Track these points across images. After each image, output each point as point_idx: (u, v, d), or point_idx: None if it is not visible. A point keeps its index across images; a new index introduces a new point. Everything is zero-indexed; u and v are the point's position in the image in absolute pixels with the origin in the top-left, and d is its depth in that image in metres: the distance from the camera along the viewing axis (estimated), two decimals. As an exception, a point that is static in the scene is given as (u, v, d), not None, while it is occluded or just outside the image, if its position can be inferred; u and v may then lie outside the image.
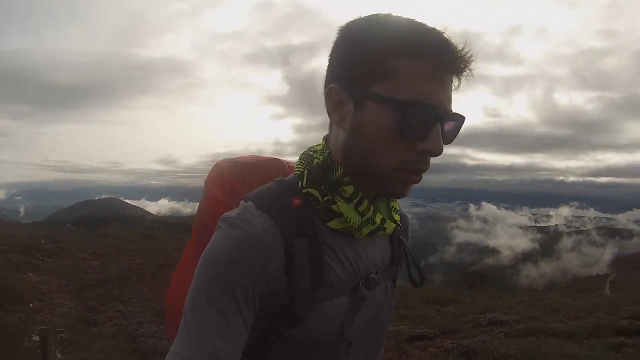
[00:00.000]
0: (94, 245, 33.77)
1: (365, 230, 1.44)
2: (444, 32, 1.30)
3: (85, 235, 46.20)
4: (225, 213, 1.40)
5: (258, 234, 1.32)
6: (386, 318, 1.68)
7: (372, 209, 1.46)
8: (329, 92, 1.40)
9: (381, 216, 1.48)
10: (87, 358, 9.58)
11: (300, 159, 1.54)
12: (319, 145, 1.53)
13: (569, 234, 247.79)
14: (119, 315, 13.94)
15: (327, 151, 1.47)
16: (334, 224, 1.43)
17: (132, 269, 24.39)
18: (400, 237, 1.71)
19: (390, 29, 1.31)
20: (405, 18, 1.34)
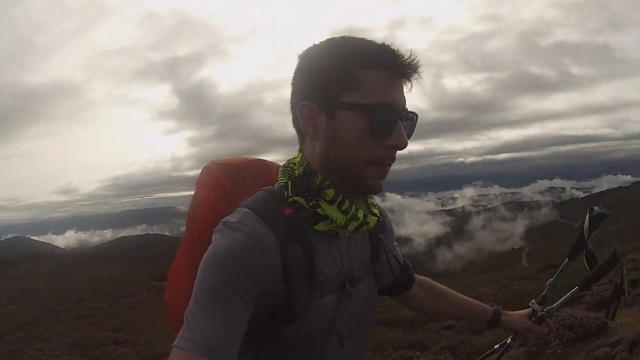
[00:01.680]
0: (7, 289, 33.98)
1: (351, 227, 1.63)
2: (392, 45, 1.55)
3: None
4: (226, 218, 1.58)
5: (259, 237, 1.50)
6: (370, 311, 1.90)
7: (353, 207, 1.64)
8: (301, 109, 1.60)
9: (363, 212, 1.67)
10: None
11: (281, 171, 1.72)
12: (296, 157, 1.72)
13: (478, 212, 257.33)
14: (38, 353, 15.97)
15: (306, 162, 1.66)
16: (320, 226, 1.62)
17: (47, 309, 24.96)
18: (379, 235, 1.91)
19: (349, 47, 1.56)
20: (357, 38, 1.60)
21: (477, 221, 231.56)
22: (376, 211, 1.78)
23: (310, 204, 1.61)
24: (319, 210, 1.60)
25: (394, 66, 1.54)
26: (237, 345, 1.41)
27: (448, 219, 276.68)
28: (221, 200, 1.75)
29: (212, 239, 1.54)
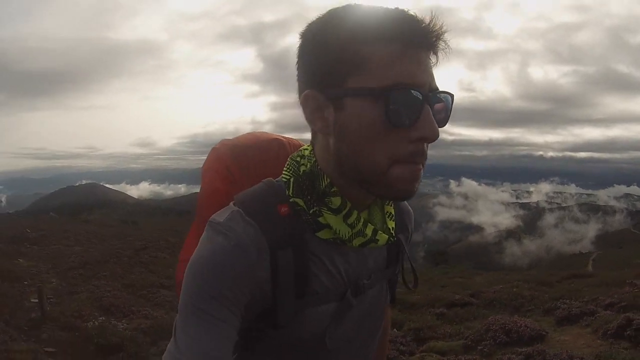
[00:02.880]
0: (76, 232, 34.95)
1: (355, 243, 1.40)
2: (407, 10, 1.24)
3: (68, 222, 47.58)
4: (213, 216, 1.39)
5: (243, 242, 1.31)
6: (379, 318, 1.70)
7: (362, 220, 1.40)
8: (305, 99, 1.33)
9: (372, 227, 1.42)
10: (64, 309, 12.90)
11: (288, 163, 1.49)
12: (306, 149, 1.47)
13: (551, 210, 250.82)
14: (93, 288, 16.67)
15: (314, 159, 1.42)
16: (323, 234, 1.39)
17: (111, 253, 25.35)
18: (399, 235, 1.62)
19: (350, 19, 1.25)
20: (364, 5, 1.28)
21: (549, 218, 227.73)
22: (391, 224, 1.49)
23: (312, 210, 1.38)
24: (320, 219, 1.37)
25: (409, 36, 1.20)
26: (227, 358, 1.27)
27: (521, 212, 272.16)
28: (228, 186, 1.62)
29: (200, 238, 1.37)
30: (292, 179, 1.42)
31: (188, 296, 1.29)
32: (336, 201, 1.36)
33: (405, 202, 1.72)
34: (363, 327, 1.59)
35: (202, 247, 1.33)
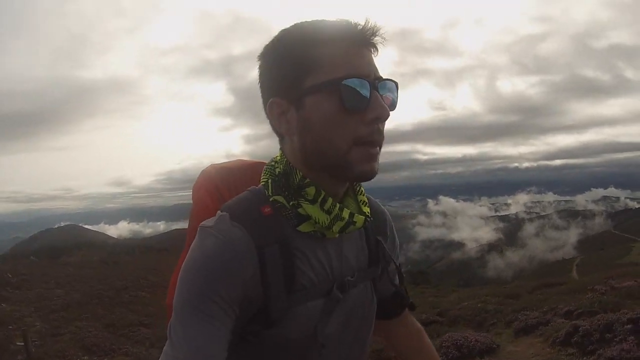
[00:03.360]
0: (56, 274, 34.83)
1: (336, 228, 1.48)
2: (347, 18, 1.43)
3: (48, 265, 47.79)
4: (203, 222, 1.47)
5: (232, 243, 1.39)
6: (366, 319, 1.72)
7: (337, 205, 1.49)
8: (270, 106, 1.47)
9: (349, 211, 1.51)
10: (48, 350, 13.82)
11: (264, 170, 1.60)
12: (277, 156, 1.60)
13: (531, 220, 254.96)
14: (76, 329, 17.15)
15: (285, 159, 1.53)
16: (304, 227, 1.47)
17: (92, 294, 25.58)
18: (378, 237, 1.74)
19: (301, 31, 1.43)
20: (310, 20, 1.46)
21: (530, 228, 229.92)
22: (366, 210, 1.61)
23: (291, 203, 1.48)
24: (300, 210, 1.47)
25: (350, 36, 1.40)
26: (221, 358, 1.34)
27: (501, 224, 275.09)
28: (217, 203, 1.70)
29: (191, 244, 1.47)
30: (269, 180, 1.53)
31: (182, 296, 1.35)
32: (311, 191, 1.46)
33: (377, 204, 1.83)
34: (350, 326, 1.64)
35: (193, 249, 1.41)
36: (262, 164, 1.75)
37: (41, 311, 20.20)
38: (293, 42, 1.42)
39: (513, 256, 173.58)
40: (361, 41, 1.40)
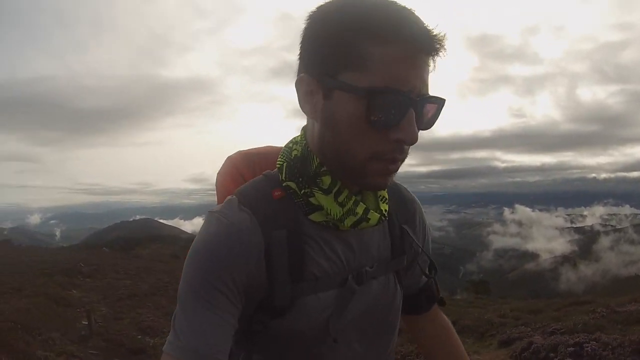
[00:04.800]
0: (126, 266, 36.30)
1: (347, 222, 1.38)
2: (414, 11, 1.23)
3: (120, 256, 48.72)
4: (213, 207, 1.42)
5: (237, 227, 1.32)
6: (389, 313, 1.61)
7: (353, 199, 1.40)
8: (299, 82, 1.34)
9: (364, 206, 1.41)
10: (108, 329, 15.11)
11: (282, 151, 1.51)
12: (299, 136, 1.50)
13: (606, 233, 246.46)
14: (137, 315, 18.29)
15: (305, 142, 1.43)
16: (315, 216, 1.40)
17: (158, 286, 26.60)
18: (403, 226, 1.62)
19: (359, 12, 1.23)
20: (370, 0, 1.26)
21: (605, 242, 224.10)
22: (384, 207, 1.50)
23: (303, 191, 1.40)
24: (312, 199, 1.39)
25: (412, 39, 1.21)
26: (226, 346, 1.29)
27: (576, 236, 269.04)
28: None
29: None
30: (284, 164, 1.45)
31: (186, 283, 1.30)
32: (326, 180, 1.37)
33: (409, 191, 1.74)
34: (371, 319, 1.55)
35: (199, 234, 1.36)
36: None
37: (108, 299, 21.41)
38: (347, 24, 1.23)
39: (586, 270, 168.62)
40: (422, 48, 1.22)
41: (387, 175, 1.32)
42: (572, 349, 9.37)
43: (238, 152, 1.74)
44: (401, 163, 1.34)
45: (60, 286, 22.25)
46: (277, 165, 1.47)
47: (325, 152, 1.35)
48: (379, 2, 1.24)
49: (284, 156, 1.47)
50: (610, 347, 9.07)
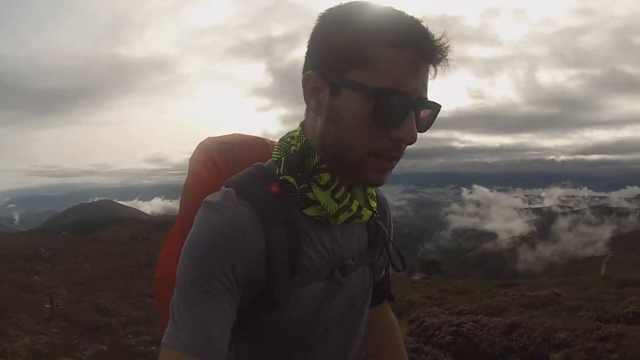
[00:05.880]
0: (86, 250, 37.25)
1: (341, 218, 1.42)
2: (422, 21, 1.28)
3: (79, 241, 49.24)
4: (207, 197, 1.39)
5: (238, 220, 1.32)
6: (362, 303, 1.66)
7: (348, 196, 1.44)
8: (306, 78, 1.37)
9: (358, 203, 1.46)
10: (69, 312, 16.43)
11: (278, 145, 1.51)
12: (296, 131, 1.51)
13: (564, 214, 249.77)
14: (95, 298, 19.24)
15: (305, 138, 1.45)
16: (310, 211, 1.42)
17: (116, 269, 28.33)
18: (378, 222, 1.67)
19: (370, 17, 1.29)
20: (384, 6, 1.31)
21: (562, 223, 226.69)
22: (373, 204, 1.58)
23: (302, 186, 1.41)
24: (309, 194, 1.40)
25: (417, 47, 1.25)
26: (226, 338, 1.29)
27: (534, 217, 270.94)
28: (213, 178, 1.63)
29: (194, 219, 1.38)
30: (282, 158, 1.45)
31: (186, 274, 1.29)
32: (325, 177, 1.40)
33: (379, 189, 1.76)
34: (351, 310, 1.61)
35: (199, 226, 1.34)
36: (262, 140, 1.77)
37: (68, 283, 22.77)
38: (355, 24, 1.29)
39: (544, 250, 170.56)
40: (426, 56, 1.29)
41: (382, 172, 1.37)
42: (453, 328, 10.49)
43: (209, 139, 1.76)
44: (396, 162, 1.40)
45: (24, 272, 24.03)
46: (274, 159, 1.48)
47: (326, 146, 1.38)
48: (390, 10, 1.29)
49: (281, 150, 1.48)
50: (486, 327, 10.25)
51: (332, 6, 1.35)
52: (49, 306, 15.70)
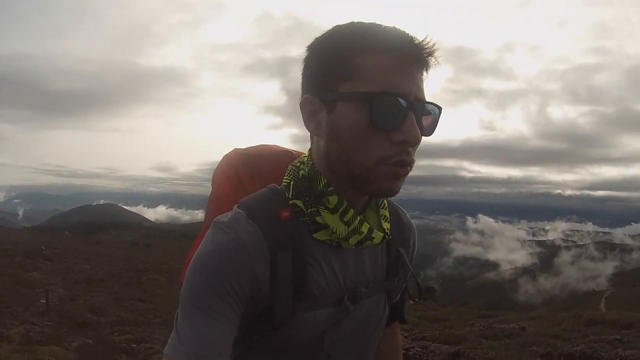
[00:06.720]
0: (87, 251, 37.93)
1: (352, 241, 1.41)
2: (401, 28, 1.30)
3: (81, 242, 49.50)
4: (218, 217, 1.41)
5: (244, 241, 1.32)
6: (372, 330, 1.63)
7: (358, 218, 1.42)
8: (303, 103, 1.39)
9: (368, 226, 1.44)
10: (63, 308, 17.11)
11: (288, 170, 1.51)
12: (305, 156, 1.51)
13: (568, 248, 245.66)
14: (90, 298, 19.83)
15: (311, 162, 1.45)
16: (320, 235, 1.41)
17: (114, 273, 28.66)
18: (400, 249, 1.64)
19: (352, 32, 1.30)
20: (364, 22, 1.33)
21: (565, 256, 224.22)
22: (386, 225, 1.53)
23: (309, 210, 1.41)
24: (318, 218, 1.40)
25: (401, 49, 1.26)
26: (227, 354, 1.30)
27: (537, 249, 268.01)
28: (236, 190, 1.64)
29: (205, 236, 1.41)
30: (292, 182, 1.46)
31: (192, 289, 1.31)
32: (333, 200, 1.39)
33: (407, 216, 1.76)
34: (360, 336, 1.59)
35: (206, 244, 1.36)
36: (289, 152, 1.75)
37: (66, 282, 23.38)
38: (341, 42, 1.31)
39: (545, 282, 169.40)
40: (413, 57, 1.29)
41: (395, 178, 1.33)
42: (403, 351, 11.25)
43: (234, 150, 1.78)
44: (410, 168, 1.35)
45: (22, 268, 24.66)
46: (284, 183, 1.49)
47: (333, 166, 1.38)
48: (369, 23, 1.32)
49: (290, 174, 1.49)
50: (432, 354, 10.99)
51: (319, 35, 1.39)
52: (44, 301, 16.43)
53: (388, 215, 1.56)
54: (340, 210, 1.39)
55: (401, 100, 1.25)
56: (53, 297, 17.70)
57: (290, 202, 1.43)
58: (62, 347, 11.12)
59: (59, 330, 13.46)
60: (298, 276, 1.38)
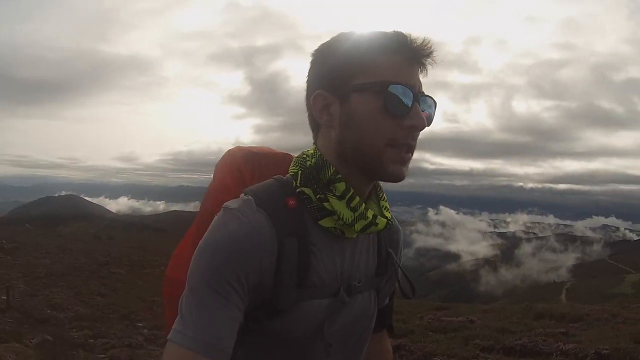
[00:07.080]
0: (48, 244, 37.82)
1: (358, 226, 1.47)
2: (404, 32, 1.45)
3: (42, 235, 49.17)
4: (227, 203, 1.45)
5: (255, 228, 1.37)
6: (365, 326, 1.69)
7: (363, 205, 1.49)
8: (315, 97, 1.49)
9: (373, 212, 1.51)
10: (24, 304, 17.20)
11: (293, 162, 1.60)
12: (310, 150, 1.59)
13: (529, 239, 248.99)
14: (50, 293, 20.07)
15: (319, 153, 1.53)
16: (326, 222, 1.47)
17: (75, 267, 28.38)
18: (389, 250, 1.72)
19: (359, 36, 1.47)
20: (367, 29, 1.49)
21: (526, 248, 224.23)
22: (388, 215, 1.62)
23: (318, 196, 1.48)
24: (326, 204, 1.47)
25: (405, 51, 1.44)
26: (232, 339, 1.34)
27: (498, 241, 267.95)
28: (237, 184, 1.69)
29: (212, 222, 1.45)
30: (299, 172, 1.53)
31: (200, 275, 1.34)
32: (340, 186, 1.47)
33: (395, 220, 1.79)
34: (354, 330, 1.64)
35: (217, 230, 1.40)
36: (289, 156, 1.80)
37: (27, 277, 23.32)
38: (348, 44, 1.47)
39: (506, 274, 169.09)
40: (414, 58, 1.45)
41: (402, 163, 1.47)
42: None
43: (238, 147, 1.84)
44: (412, 154, 1.49)
45: (-19, 263, 24.34)
46: (291, 173, 1.57)
47: (345, 152, 1.48)
48: (372, 30, 1.49)
49: (297, 165, 1.58)
50: None
51: (323, 42, 1.55)
52: (5, 298, 16.43)
53: (388, 207, 1.67)
54: (348, 196, 1.48)
55: (409, 91, 1.41)
56: (14, 293, 17.67)
57: (298, 189, 1.50)
58: (23, 343, 11.29)
59: (20, 327, 13.51)
60: (301, 264, 1.44)
